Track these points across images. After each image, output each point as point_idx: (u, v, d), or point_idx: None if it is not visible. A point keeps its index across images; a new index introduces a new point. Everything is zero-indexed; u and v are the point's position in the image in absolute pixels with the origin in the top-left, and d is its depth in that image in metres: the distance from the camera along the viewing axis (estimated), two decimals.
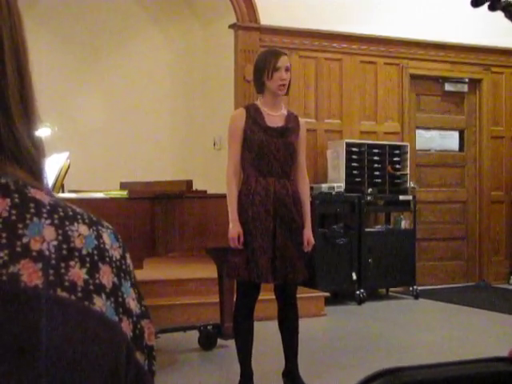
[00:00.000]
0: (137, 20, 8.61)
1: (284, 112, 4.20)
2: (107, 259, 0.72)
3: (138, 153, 8.34)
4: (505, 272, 8.90)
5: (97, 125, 8.23)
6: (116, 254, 0.74)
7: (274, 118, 4.14)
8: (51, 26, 8.14)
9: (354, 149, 7.69)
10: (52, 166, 4.53)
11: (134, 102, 8.46)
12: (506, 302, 7.45)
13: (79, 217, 0.73)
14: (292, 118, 4.20)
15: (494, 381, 0.80)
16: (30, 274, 0.66)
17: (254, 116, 4.10)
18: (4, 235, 0.67)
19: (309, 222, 4.16)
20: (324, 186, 7.45)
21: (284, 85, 4.08)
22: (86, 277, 0.69)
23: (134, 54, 8.61)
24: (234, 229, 4.00)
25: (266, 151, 4.05)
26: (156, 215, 4.47)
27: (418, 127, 8.63)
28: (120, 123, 8.38)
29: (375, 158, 7.78)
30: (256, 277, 3.98)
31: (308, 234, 4.11)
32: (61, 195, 4.69)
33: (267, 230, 4.01)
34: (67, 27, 8.24)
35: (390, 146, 7.92)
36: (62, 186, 4.91)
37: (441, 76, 8.65)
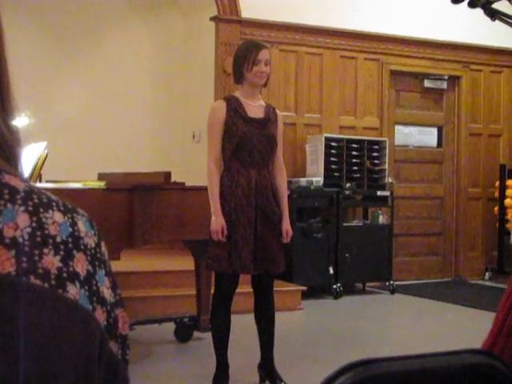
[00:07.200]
0: (117, 10, 8.56)
1: (262, 103, 4.23)
2: (82, 247, 0.72)
3: (116, 144, 8.30)
4: (480, 268, 8.96)
5: (75, 115, 8.17)
6: (91, 241, 0.73)
7: (254, 108, 4.15)
8: (30, 16, 8.07)
9: (333, 143, 7.70)
10: (30, 156, 4.50)
11: (113, 93, 8.42)
12: (481, 298, 7.50)
13: (54, 204, 0.72)
14: (271, 110, 4.22)
15: (467, 372, 0.80)
16: (3, 262, 0.65)
17: (234, 107, 4.10)
18: None
19: (286, 213, 4.17)
20: (303, 180, 7.46)
21: (263, 77, 4.10)
22: (60, 264, 0.69)
23: (114, 45, 8.56)
24: (218, 221, 3.98)
25: (247, 142, 4.05)
26: (134, 206, 4.45)
27: (397, 123, 8.66)
28: (99, 114, 8.33)
29: (354, 152, 7.79)
30: (238, 267, 3.99)
31: (286, 225, 4.13)
32: (38, 185, 4.65)
33: (249, 222, 4.01)
34: (46, 17, 8.18)
35: (368, 141, 7.93)
36: (40, 176, 4.88)
37: (420, 72, 8.68)
